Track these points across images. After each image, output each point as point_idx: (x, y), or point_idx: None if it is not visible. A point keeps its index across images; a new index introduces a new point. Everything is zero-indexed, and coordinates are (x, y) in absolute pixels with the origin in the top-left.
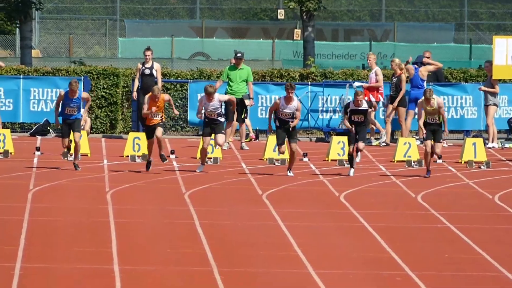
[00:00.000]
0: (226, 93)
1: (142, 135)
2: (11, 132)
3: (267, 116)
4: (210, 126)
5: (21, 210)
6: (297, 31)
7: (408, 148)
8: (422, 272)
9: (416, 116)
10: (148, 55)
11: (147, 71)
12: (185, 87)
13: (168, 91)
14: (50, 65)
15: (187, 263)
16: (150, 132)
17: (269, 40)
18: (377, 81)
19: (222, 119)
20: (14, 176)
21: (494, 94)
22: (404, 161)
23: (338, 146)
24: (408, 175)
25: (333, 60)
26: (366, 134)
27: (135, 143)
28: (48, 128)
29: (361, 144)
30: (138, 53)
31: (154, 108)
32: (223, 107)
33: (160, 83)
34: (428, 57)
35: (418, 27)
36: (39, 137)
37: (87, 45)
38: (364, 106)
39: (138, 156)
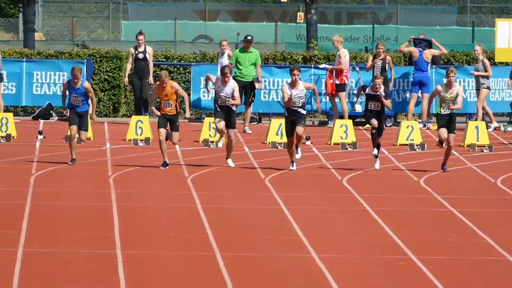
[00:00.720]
0: (235, 77)
1: (145, 118)
2: (14, 115)
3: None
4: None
5: (24, 195)
6: (300, 14)
7: (411, 131)
8: (425, 257)
9: (422, 100)
10: (141, 39)
11: (140, 55)
12: (188, 70)
13: (171, 74)
14: (53, 48)
15: (190, 248)
16: (162, 122)
17: (272, 23)
18: (339, 64)
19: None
20: (16, 160)
21: (486, 77)
22: (406, 144)
23: (341, 130)
24: (411, 158)
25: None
26: (384, 125)
27: (138, 127)
28: (51, 111)
29: (379, 138)
30: None
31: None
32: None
33: (152, 66)
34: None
35: (420, 10)
36: (41, 121)
37: (90, 28)
38: (381, 92)
39: (140, 140)
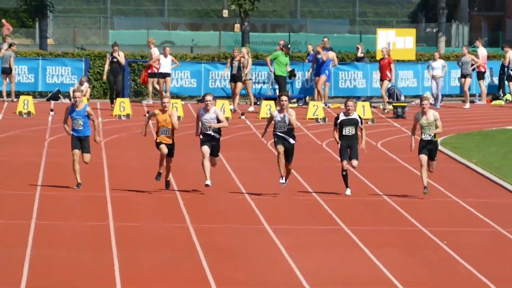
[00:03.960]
0: (275, 71)
1: (126, 100)
2: (33, 98)
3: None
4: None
5: (40, 154)
6: (237, 25)
7: (316, 109)
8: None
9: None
10: (116, 49)
11: (114, 59)
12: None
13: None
14: (60, 50)
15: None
16: (159, 146)
17: (217, 32)
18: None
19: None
20: (34, 129)
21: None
22: (313, 118)
23: (266, 108)
24: (316, 128)
25: (262, 46)
26: (358, 151)
27: (121, 106)
28: (59, 95)
29: (355, 162)
30: (124, 41)
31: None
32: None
33: (123, 60)
34: (324, 45)
35: (323, 22)
36: (52, 102)
37: (86, 36)
38: (355, 116)
39: (123, 115)
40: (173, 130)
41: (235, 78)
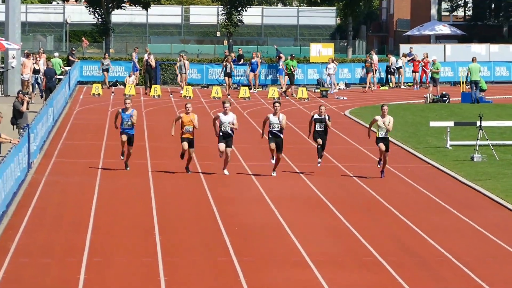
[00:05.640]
0: (288, 71)
1: (158, 86)
2: (101, 85)
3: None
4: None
5: (105, 119)
6: (225, 41)
7: (273, 92)
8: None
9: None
10: (149, 56)
11: (148, 62)
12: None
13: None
14: (117, 55)
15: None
16: (184, 139)
17: (213, 45)
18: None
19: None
20: (101, 104)
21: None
22: (273, 97)
23: (243, 90)
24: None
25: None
26: (325, 143)
27: (155, 90)
28: (117, 82)
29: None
30: (157, 51)
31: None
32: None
33: (153, 63)
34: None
35: (277, 39)
36: (113, 87)
37: (133, 47)
38: (325, 117)
39: (156, 96)
40: (193, 128)
41: (228, 74)
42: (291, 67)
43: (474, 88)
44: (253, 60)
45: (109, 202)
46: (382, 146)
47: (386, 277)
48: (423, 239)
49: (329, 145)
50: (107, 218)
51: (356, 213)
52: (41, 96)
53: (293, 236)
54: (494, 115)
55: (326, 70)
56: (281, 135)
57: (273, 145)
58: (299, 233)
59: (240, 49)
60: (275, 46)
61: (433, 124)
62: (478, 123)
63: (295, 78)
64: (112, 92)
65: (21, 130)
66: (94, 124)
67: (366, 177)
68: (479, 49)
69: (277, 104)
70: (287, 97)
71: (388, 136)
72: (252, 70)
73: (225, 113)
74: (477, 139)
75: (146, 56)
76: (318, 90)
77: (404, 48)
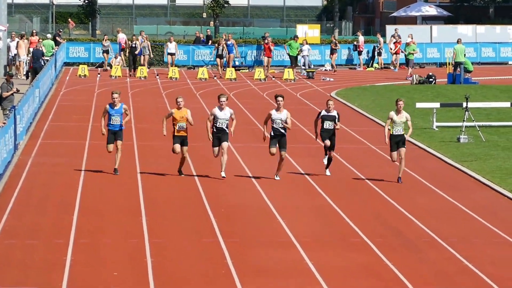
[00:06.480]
0: (290, 52)
1: (144, 67)
2: (87, 66)
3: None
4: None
5: (91, 98)
6: (211, 22)
7: (260, 73)
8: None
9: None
10: (134, 38)
11: (133, 45)
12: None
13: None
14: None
15: None
16: (176, 139)
17: (199, 26)
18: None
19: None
20: (88, 85)
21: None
22: (258, 79)
23: (229, 72)
24: (261, 84)
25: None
26: (335, 143)
27: (141, 71)
28: (103, 63)
29: (331, 152)
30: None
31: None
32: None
33: (138, 46)
34: (229, 39)
35: (264, 20)
36: (99, 68)
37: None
38: (334, 113)
39: (142, 77)
40: (187, 125)
41: (220, 56)
42: (295, 49)
43: (459, 69)
44: (228, 42)
45: (96, 183)
46: (394, 155)
47: (372, 258)
48: (410, 220)
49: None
50: (94, 199)
51: (342, 194)
52: (27, 77)
53: (280, 217)
54: (480, 96)
55: (300, 52)
56: (285, 132)
57: (273, 150)
58: (285, 214)
59: (208, 30)
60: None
61: (419, 105)
62: (464, 104)
63: (297, 60)
64: (98, 74)
65: (7, 112)
66: (81, 105)
67: (352, 158)
68: (465, 30)
69: (279, 98)
70: (273, 78)
71: (403, 134)
72: (229, 52)
73: (220, 108)
74: (463, 120)
75: (140, 39)
76: (304, 72)
77: (390, 29)
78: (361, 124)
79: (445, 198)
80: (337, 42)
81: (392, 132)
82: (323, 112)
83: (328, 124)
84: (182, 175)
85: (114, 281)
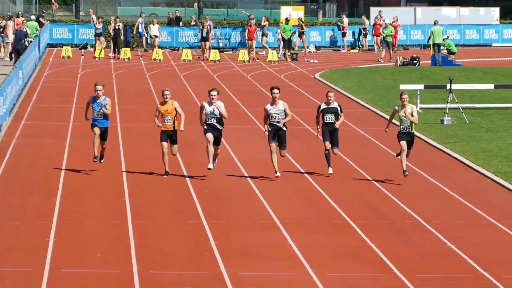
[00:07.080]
0: (283, 35)
1: (128, 49)
2: (71, 47)
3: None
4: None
5: (75, 81)
6: (195, 4)
7: (243, 55)
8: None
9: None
10: (117, 20)
11: (116, 27)
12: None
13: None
14: (87, 18)
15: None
16: (163, 136)
17: (183, 7)
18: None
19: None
20: (72, 67)
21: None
22: (241, 60)
23: (213, 54)
24: (246, 66)
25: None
26: (338, 138)
27: (125, 52)
28: (87, 45)
29: (336, 150)
30: (127, 13)
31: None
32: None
33: (122, 28)
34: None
35: (248, 2)
36: (83, 50)
37: (103, 10)
38: (335, 105)
39: (126, 58)
40: (174, 118)
41: (204, 39)
42: (288, 32)
43: (437, 51)
44: (205, 23)
45: (79, 165)
46: (403, 144)
47: (356, 240)
48: (393, 202)
49: (299, 107)
50: (77, 181)
51: (326, 177)
52: (10, 59)
53: (264, 199)
54: (464, 78)
55: (276, 34)
56: (284, 128)
57: (273, 147)
58: (269, 196)
59: (177, 11)
60: (244, 11)
61: (403, 87)
62: (448, 86)
63: (291, 42)
64: (82, 55)
65: None
66: (64, 87)
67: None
68: (449, 12)
69: (275, 90)
70: (257, 60)
71: (412, 131)
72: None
73: (210, 103)
74: (447, 102)
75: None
76: (288, 53)
77: (374, 11)
78: (345, 106)
79: (429, 179)
80: (303, 25)
81: (400, 129)
82: (323, 105)
83: (329, 118)
84: (166, 176)
85: (97, 262)
